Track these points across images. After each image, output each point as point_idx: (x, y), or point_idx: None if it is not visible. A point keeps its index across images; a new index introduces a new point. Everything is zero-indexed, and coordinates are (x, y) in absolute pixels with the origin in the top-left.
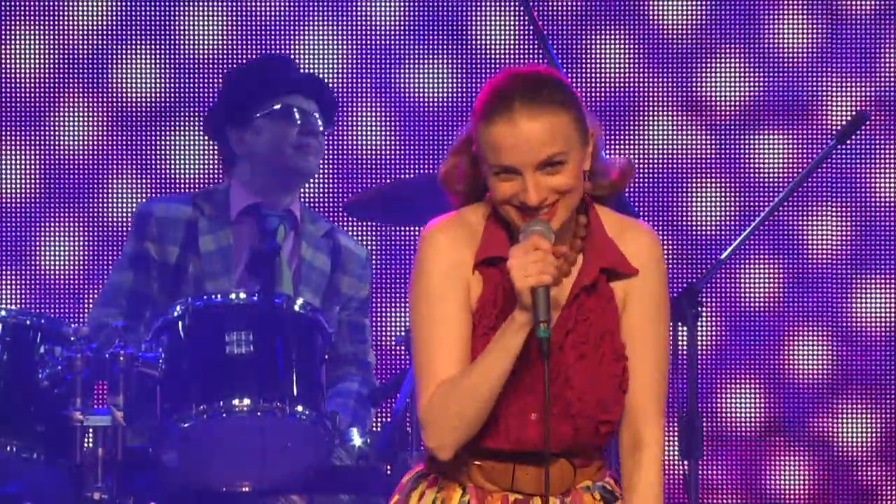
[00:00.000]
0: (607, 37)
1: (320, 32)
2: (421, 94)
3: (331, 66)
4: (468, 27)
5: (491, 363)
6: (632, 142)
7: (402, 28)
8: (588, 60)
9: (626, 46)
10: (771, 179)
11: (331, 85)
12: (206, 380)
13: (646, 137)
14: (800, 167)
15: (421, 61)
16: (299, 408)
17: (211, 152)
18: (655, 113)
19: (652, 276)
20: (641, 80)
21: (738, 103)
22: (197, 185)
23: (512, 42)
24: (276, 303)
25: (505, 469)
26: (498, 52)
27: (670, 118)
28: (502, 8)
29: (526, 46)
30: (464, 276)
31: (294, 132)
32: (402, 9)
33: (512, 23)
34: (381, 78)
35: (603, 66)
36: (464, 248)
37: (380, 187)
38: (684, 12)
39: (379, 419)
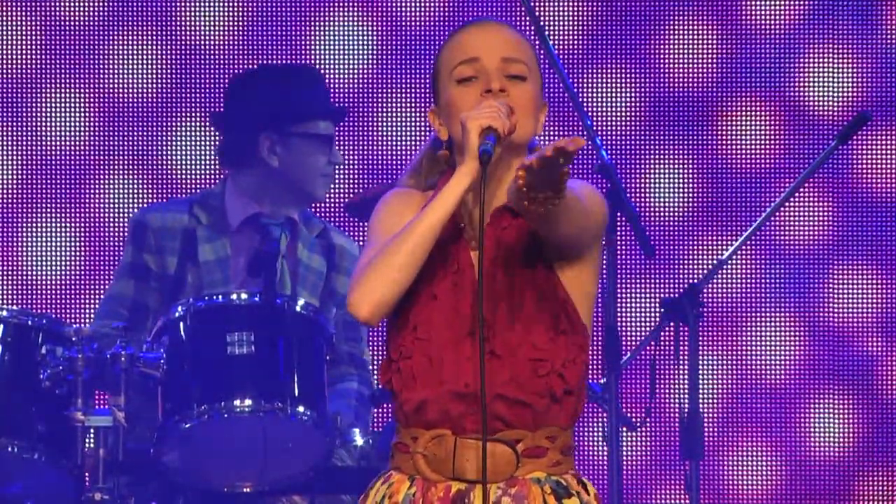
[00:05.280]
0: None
1: (319, 32)
2: (420, 94)
3: (330, 65)
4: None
5: (428, 209)
6: (633, 142)
7: (403, 29)
8: (588, 63)
9: (636, 55)
10: (773, 180)
11: (332, 85)
12: (207, 380)
13: (647, 138)
14: (802, 166)
15: (420, 62)
16: (300, 408)
17: (207, 151)
18: (660, 115)
19: None
20: (643, 80)
21: (739, 104)
22: (192, 184)
23: None
24: (278, 303)
25: (447, 455)
26: None
27: (676, 120)
28: (502, 8)
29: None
30: (410, 214)
31: (326, 161)
32: (402, 10)
33: (512, 22)
34: (379, 78)
35: (606, 68)
36: (415, 196)
37: (379, 187)
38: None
39: (380, 419)
